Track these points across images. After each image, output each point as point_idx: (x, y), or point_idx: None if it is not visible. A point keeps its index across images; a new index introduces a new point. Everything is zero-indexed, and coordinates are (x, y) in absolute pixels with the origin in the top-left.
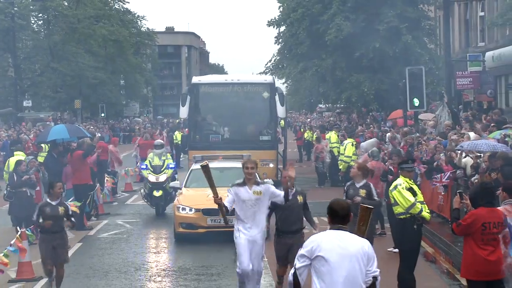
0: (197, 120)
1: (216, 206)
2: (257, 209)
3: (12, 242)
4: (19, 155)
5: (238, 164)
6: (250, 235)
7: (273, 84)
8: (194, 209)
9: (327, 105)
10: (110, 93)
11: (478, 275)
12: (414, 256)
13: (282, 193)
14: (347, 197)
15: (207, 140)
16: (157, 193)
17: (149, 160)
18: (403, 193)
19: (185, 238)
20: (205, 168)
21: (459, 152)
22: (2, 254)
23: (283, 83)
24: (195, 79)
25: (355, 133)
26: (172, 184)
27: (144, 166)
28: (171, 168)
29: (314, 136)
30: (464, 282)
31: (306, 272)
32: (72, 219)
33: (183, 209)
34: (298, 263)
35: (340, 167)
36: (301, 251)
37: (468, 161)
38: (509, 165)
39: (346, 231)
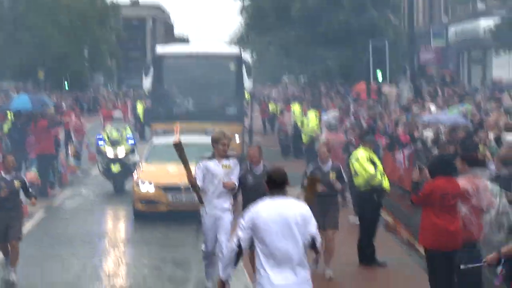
0: (160, 92)
1: (178, 181)
2: (219, 182)
3: None
4: None
5: (201, 140)
6: (216, 212)
7: (240, 56)
8: (155, 185)
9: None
10: (74, 64)
11: (437, 243)
12: (374, 226)
13: (235, 179)
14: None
15: (171, 112)
16: (115, 168)
17: (107, 133)
18: (364, 164)
19: (145, 215)
20: (178, 147)
21: (420, 125)
22: None
23: (248, 56)
24: (160, 49)
25: (318, 105)
26: (132, 159)
27: (101, 140)
28: (130, 141)
29: (278, 109)
30: (423, 251)
31: (248, 242)
32: (31, 191)
33: (143, 185)
34: (240, 233)
35: (303, 139)
36: (242, 221)
37: (428, 134)
38: (470, 138)
39: (284, 197)
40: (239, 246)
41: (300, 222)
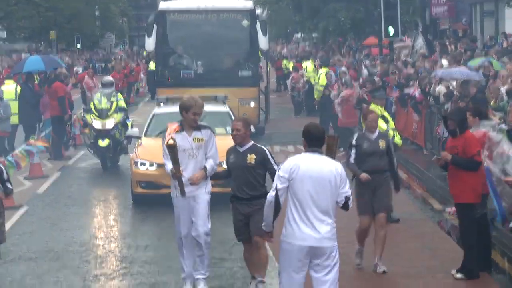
0: (165, 53)
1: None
2: (198, 159)
3: None
4: (10, 84)
5: (214, 108)
6: (189, 191)
7: (253, 11)
8: (156, 164)
9: (303, 34)
10: (86, 24)
11: (478, 197)
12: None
13: (216, 154)
14: (359, 154)
15: (177, 77)
16: (102, 143)
17: (94, 102)
18: None
19: (145, 200)
20: (172, 149)
21: (433, 80)
22: None
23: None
24: (163, 5)
25: (330, 62)
26: (129, 132)
27: (88, 111)
28: (121, 111)
29: (291, 66)
30: (437, 207)
31: (286, 193)
32: (8, 185)
33: (142, 164)
34: (279, 184)
35: (315, 96)
36: (280, 173)
37: (441, 89)
38: (481, 93)
39: (321, 154)
40: (277, 197)
41: (336, 180)
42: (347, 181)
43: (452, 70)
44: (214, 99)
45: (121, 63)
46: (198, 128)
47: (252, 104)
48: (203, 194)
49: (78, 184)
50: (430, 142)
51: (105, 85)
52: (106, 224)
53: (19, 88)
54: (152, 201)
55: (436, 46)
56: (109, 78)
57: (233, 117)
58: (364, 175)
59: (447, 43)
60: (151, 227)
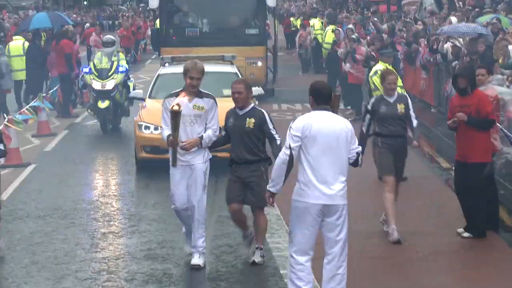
0: (169, 11)
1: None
2: (196, 127)
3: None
4: (18, 39)
5: (220, 68)
6: (186, 161)
7: None
8: (160, 127)
9: None
10: None
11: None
12: None
13: (216, 124)
14: (379, 119)
15: (183, 35)
16: (102, 104)
17: (94, 62)
18: None
19: (150, 164)
20: (175, 115)
21: (441, 37)
22: None
23: None
24: None
25: (337, 19)
26: (132, 93)
27: (87, 70)
28: (121, 72)
29: (298, 23)
30: (444, 165)
31: (298, 152)
32: (1, 146)
33: (147, 127)
34: (292, 143)
35: (323, 54)
36: (293, 132)
37: (449, 46)
38: (489, 49)
39: (330, 110)
40: (291, 155)
41: (347, 137)
42: (355, 137)
43: (460, 26)
44: (221, 59)
45: (128, 20)
46: (201, 95)
47: (260, 63)
48: (200, 164)
49: (85, 142)
50: (438, 100)
51: (106, 43)
52: (114, 182)
53: (26, 44)
54: (157, 166)
55: (445, 3)
56: (110, 36)
57: (246, 85)
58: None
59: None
60: (159, 185)
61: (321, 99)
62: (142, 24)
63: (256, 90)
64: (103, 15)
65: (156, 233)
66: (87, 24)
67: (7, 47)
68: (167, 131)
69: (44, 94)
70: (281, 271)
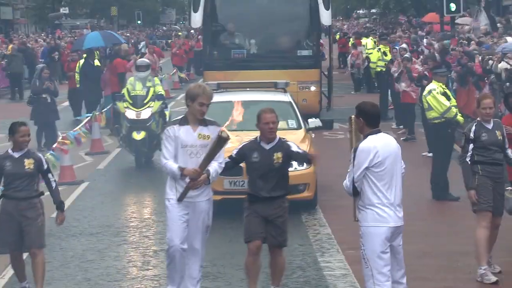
0: (214, 31)
1: None
2: (200, 159)
3: (54, 146)
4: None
5: (272, 96)
6: (189, 197)
7: None
8: None
9: (363, 10)
10: (147, 0)
11: None
12: (447, 159)
13: (222, 155)
14: (479, 147)
15: (228, 57)
16: (138, 135)
17: (128, 88)
18: (438, 98)
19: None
20: (222, 142)
21: (496, 57)
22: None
23: None
24: None
25: (388, 38)
26: (162, 122)
27: (119, 99)
28: (158, 99)
29: (351, 43)
30: None
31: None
32: (50, 176)
33: None
34: (357, 174)
35: (372, 73)
36: (365, 164)
37: (503, 66)
38: None
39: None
40: (355, 187)
41: (400, 155)
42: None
43: None
44: (274, 86)
45: (180, 40)
46: (205, 123)
47: (313, 88)
48: (204, 201)
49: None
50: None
51: (140, 67)
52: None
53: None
54: None
55: (500, 22)
56: (144, 60)
57: (296, 109)
58: (472, 194)
59: (511, 20)
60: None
61: (374, 120)
62: (195, 44)
63: (313, 122)
64: (157, 34)
65: (207, 251)
66: (143, 43)
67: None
68: (172, 163)
69: (97, 113)
70: None
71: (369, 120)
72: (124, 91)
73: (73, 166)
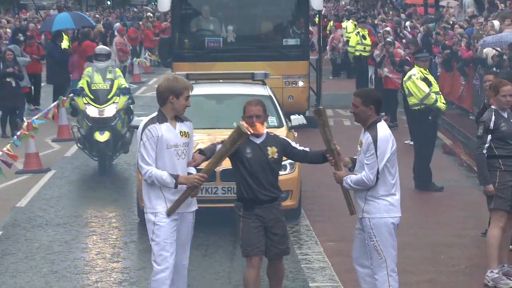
0: (185, 15)
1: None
2: (186, 161)
3: (18, 133)
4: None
5: (250, 90)
6: (182, 208)
7: None
8: None
9: None
10: None
11: None
12: (430, 148)
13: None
14: (498, 138)
15: (201, 47)
16: (101, 137)
17: (87, 80)
18: (417, 83)
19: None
20: (241, 137)
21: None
22: (9, 145)
23: None
24: None
25: (367, 21)
26: (135, 121)
27: (77, 93)
28: (124, 94)
29: (330, 26)
30: None
31: None
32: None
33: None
34: (382, 164)
35: (350, 58)
36: (388, 153)
37: (489, 51)
38: None
39: None
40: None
41: None
42: None
43: (503, 35)
44: (251, 78)
45: (150, 20)
46: (180, 119)
47: (301, 83)
48: (191, 212)
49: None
50: (477, 106)
51: (99, 56)
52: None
53: None
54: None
55: (486, 5)
56: (104, 47)
57: (276, 104)
58: (492, 188)
59: (497, 1)
60: None
61: (380, 108)
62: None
63: (296, 120)
64: (128, 15)
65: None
66: (117, 24)
67: None
68: (158, 170)
69: (64, 98)
70: (310, 284)
71: (379, 108)
72: (83, 83)
73: (39, 154)
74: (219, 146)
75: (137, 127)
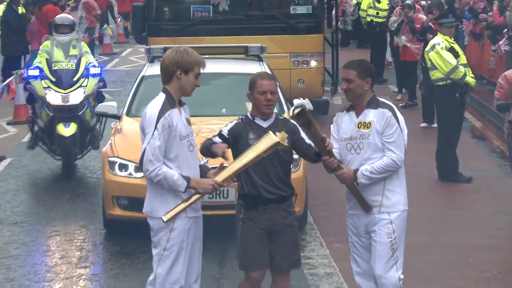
0: None
1: None
2: (196, 153)
3: None
4: None
5: (243, 67)
6: (195, 211)
7: None
8: None
9: None
10: None
11: None
12: (457, 131)
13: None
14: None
15: (186, 17)
16: (66, 130)
17: (46, 58)
18: (443, 54)
19: (127, 227)
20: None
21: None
22: None
23: None
24: None
25: None
26: (100, 107)
27: (34, 71)
28: (94, 75)
29: None
30: None
31: None
32: None
33: (123, 167)
34: (406, 143)
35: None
36: (406, 131)
37: None
38: None
39: None
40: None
41: None
42: None
43: None
44: (244, 53)
45: None
46: (180, 103)
47: (314, 63)
48: (201, 215)
49: None
50: None
51: (60, 27)
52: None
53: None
54: (137, 229)
55: None
56: (66, 16)
57: (276, 85)
58: None
59: None
60: None
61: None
62: None
63: (301, 104)
64: None
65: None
66: None
67: None
68: (173, 172)
69: (21, 71)
70: None
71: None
72: (42, 61)
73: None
74: (216, 139)
75: (104, 115)
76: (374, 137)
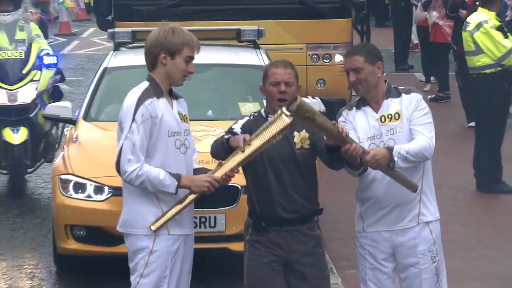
0: None
1: None
2: (189, 153)
3: None
4: None
5: (235, 56)
6: (182, 227)
7: None
8: (109, 187)
9: None
10: None
11: None
12: (500, 131)
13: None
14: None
15: None
16: (14, 137)
17: None
18: (494, 35)
19: (85, 263)
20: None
21: None
22: None
23: None
24: None
25: None
26: (49, 108)
27: None
28: (49, 66)
29: None
30: None
31: None
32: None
33: (79, 187)
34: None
35: None
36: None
37: None
38: None
39: None
40: None
41: None
42: None
43: None
44: (236, 38)
45: None
46: (175, 95)
47: (339, 58)
48: (192, 234)
49: None
50: None
51: (0, 3)
52: None
53: None
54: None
55: None
56: None
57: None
58: None
59: None
60: None
61: None
62: None
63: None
64: None
65: None
66: None
67: None
68: (158, 170)
69: None
70: None
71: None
72: None
73: None
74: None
75: (54, 118)
76: (405, 122)
